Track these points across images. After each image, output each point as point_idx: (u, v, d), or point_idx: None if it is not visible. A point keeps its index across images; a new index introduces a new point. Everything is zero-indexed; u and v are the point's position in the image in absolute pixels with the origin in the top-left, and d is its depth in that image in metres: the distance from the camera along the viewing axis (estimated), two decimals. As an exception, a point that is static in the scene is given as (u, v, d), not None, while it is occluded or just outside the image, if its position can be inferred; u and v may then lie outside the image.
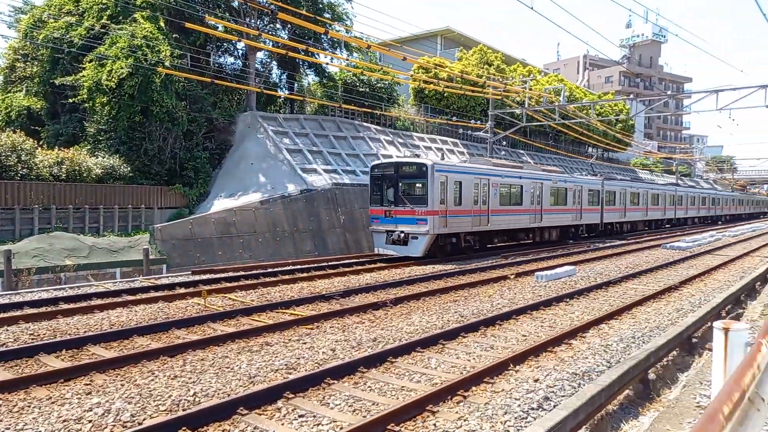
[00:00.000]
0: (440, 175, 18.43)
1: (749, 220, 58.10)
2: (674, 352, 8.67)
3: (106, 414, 5.59)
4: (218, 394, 6.23)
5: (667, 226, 41.75)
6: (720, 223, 50.70)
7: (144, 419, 5.52)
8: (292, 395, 6.13)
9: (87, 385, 6.49)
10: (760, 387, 2.47)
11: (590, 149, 55.64)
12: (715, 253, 23.01)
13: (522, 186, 22.92)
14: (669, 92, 78.57)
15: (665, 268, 18.13)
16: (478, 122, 36.67)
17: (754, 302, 11.74)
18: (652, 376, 7.58)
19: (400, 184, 18.78)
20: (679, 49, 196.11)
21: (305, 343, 8.36)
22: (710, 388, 4.18)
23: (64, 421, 5.41)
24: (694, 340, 9.20)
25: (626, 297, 12.59)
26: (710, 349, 3.47)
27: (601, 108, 51.26)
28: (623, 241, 28.85)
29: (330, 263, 18.26)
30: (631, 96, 75.14)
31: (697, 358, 8.69)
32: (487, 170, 21.35)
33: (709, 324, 8.17)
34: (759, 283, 14.72)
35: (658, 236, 33.28)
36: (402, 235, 18.17)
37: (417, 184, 18.65)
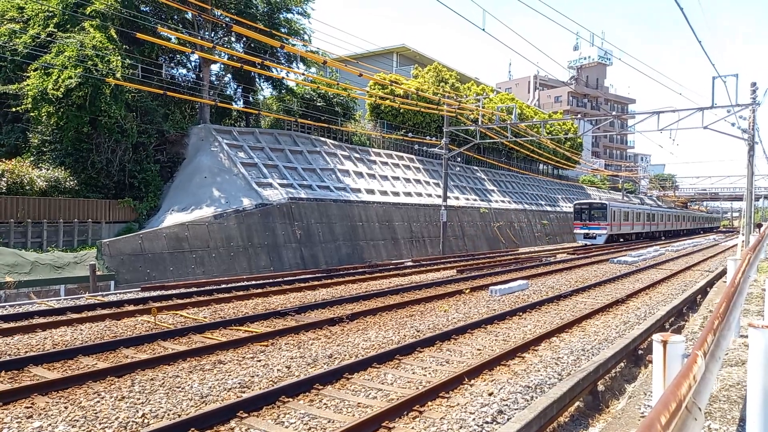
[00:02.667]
0: (610, 207, 39.67)
1: (691, 236, 65.55)
2: (622, 364, 8.98)
3: (48, 439, 5.35)
4: (168, 415, 6.06)
5: (682, 236, 61.00)
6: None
7: (89, 443, 5.31)
8: (246, 414, 6.03)
9: (28, 408, 6.19)
10: (697, 396, 2.61)
11: (541, 166, 57.26)
12: (659, 267, 23.98)
13: (629, 212, 44.19)
14: (614, 113, 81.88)
15: (613, 281, 18.77)
16: (434, 138, 37.21)
17: (695, 314, 12.29)
18: (601, 387, 7.82)
19: (592, 211, 39.74)
20: (623, 72, 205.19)
21: (260, 361, 8.23)
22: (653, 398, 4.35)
23: (3, 447, 5.15)
24: (640, 351, 9.55)
25: (576, 310, 12.96)
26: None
27: (551, 127, 52.92)
28: (573, 256, 29.71)
29: (286, 279, 18.10)
30: (579, 115, 77.91)
31: (643, 369, 9.02)
32: (620, 204, 44.65)
33: (653, 336, 8.50)
34: (699, 296, 15.43)
35: (606, 251, 34.44)
36: (594, 234, 39.15)
37: (600, 211, 39.37)
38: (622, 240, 43.53)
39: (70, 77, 19.98)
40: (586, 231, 39.46)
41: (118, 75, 20.91)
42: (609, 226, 39.03)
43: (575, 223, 40.89)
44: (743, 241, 24.26)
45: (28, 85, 20.69)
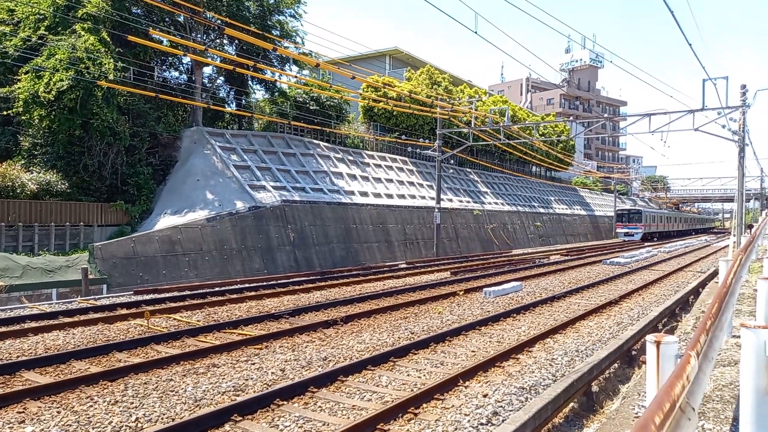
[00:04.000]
0: (645, 212, 52.38)
1: (696, 234, 74.44)
2: (615, 365, 9.02)
3: (40, 444, 5.31)
4: (162, 419, 6.04)
5: (690, 234, 71.99)
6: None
7: (82, 448, 5.28)
8: (240, 418, 6.01)
9: (20, 413, 6.15)
10: (690, 397, 2.62)
11: (534, 168, 57.47)
12: (651, 268, 24.11)
13: (656, 215, 56.90)
14: (606, 115, 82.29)
15: (606, 283, 18.86)
16: (427, 141, 37.26)
17: (687, 315, 12.36)
18: (595, 388, 7.85)
19: (631, 215, 51.62)
20: (614, 74, 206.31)
21: (254, 364, 8.21)
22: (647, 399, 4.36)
23: (-6, 453, 5.10)
24: (633, 352, 9.60)
25: (570, 311, 13.01)
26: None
27: (544, 129, 53.13)
28: (566, 257, 29.82)
29: (280, 281, 18.06)
30: (571, 118, 78.23)
31: (637, 370, 9.05)
32: (650, 210, 58.37)
33: (646, 336, 8.53)
34: (692, 296, 15.53)
35: (599, 252, 34.59)
36: (632, 233, 50.38)
37: (637, 215, 51.22)
38: (649, 238, 53.90)
39: (61, 80, 19.86)
40: (626, 230, 51.38)
41: (111, 77, 20.80)
42: (644, 227, 51.01)
43: (617, 224, 53.16)
44: (735, 242, 24.43)
45: (19, 88, 20.56)
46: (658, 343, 3.28)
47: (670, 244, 42.50)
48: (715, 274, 19.53)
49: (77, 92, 20.13)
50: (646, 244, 46.87)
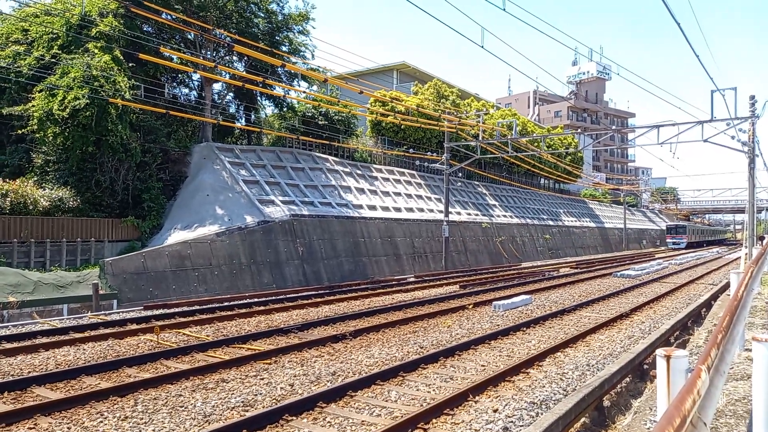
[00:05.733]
0: (687, 227, 68.95)
1: (717, 244, 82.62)
2: (627, 379, 8.92)
3: (51, 460, 5.33)
4: (172, 434, 6.03)
5: (714, 244, 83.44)
6: (708, 244, 79.49)
7: (93, 464, 5.28)
8: (250, 433, 6.00)
9: (31, 429, 6.18)
10: (702, 411, 2.61)
11: (543, 181, 57.35)
12: (662, 281, 23.89)
13: (695, 229, 72.80)
14: (614, 127, 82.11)
15: (617, 295, 18.71)
16: (435, 154, 37.34)
17: (699, 328, 12.22)
18: (606, 403, 7.77)
19: (677, 229, 67.79)
20: (622, 86, 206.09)
21: (263, 379, 8.21)
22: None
23: (6, 469, 5.13)
24: (645, 366, 9.50)
25: (580, 325, 12.91)
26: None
27: (551, 141, 53.11)
28: (576, 270, 29.64)
29: (288, 296, 18.08)
30: (579, 130, 78.10)
31: (649, 384, 8.95)
32: (691, 224, 75.55)
33: (658, 350, 8.42)
34: (704, 309, 15.36)
35: (609, 265, 34.36)
36: (678, 242, 65.26)
37: (683, 228, 67.53)
38: (690, 246, 66.04)
39: (77, 98, 20.14)
40: (674, 240, 65.29)
41: (127, 96, 21.09)
42: (686, 238, 65.14)
43: (667, 235, 67.25)
44: (746, 254, 24.19)
45: (33, 106, 20.86)
46: (668, 357, 3.26)
47: (681, 256, 42.21)
48: (727, 286, 19.31)
49: (92, 110, 20.39)
50: (657, 255, 46.74)
